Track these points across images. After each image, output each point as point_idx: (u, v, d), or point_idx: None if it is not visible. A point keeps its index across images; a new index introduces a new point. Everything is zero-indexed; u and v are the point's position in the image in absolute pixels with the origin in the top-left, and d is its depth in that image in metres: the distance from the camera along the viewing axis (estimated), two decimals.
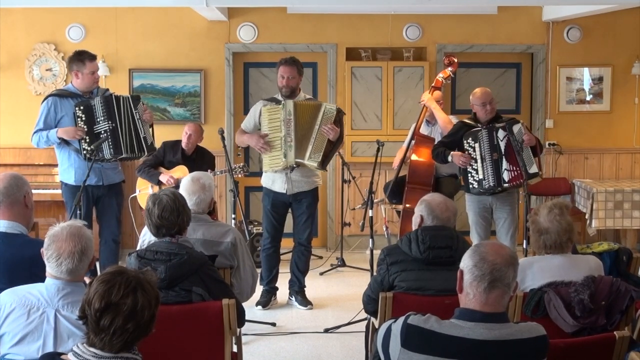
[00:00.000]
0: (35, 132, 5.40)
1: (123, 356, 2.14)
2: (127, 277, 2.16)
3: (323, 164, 5.52)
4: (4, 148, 7.32)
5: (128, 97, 5.41)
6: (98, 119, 5.29)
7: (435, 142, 5.95)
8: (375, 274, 3.93)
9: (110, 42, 7.49)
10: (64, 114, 5.37)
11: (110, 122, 5.28)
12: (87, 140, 5.27)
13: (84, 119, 5.27)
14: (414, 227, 3.69)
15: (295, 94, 5.61)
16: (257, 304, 5.75)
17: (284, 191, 5.64)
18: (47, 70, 7.52)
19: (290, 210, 5.79)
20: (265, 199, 5.79)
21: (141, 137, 5.37)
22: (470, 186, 5.56)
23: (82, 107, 5.28)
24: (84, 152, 5.26)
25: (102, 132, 5.27)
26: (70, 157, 5.45)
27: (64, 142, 5.39)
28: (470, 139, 5.50)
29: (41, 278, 2.72)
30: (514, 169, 5.39)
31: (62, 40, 7.52)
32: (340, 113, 5.54)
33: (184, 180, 4.05)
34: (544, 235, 3.36)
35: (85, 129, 5.27)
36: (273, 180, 5.68)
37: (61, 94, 5.46)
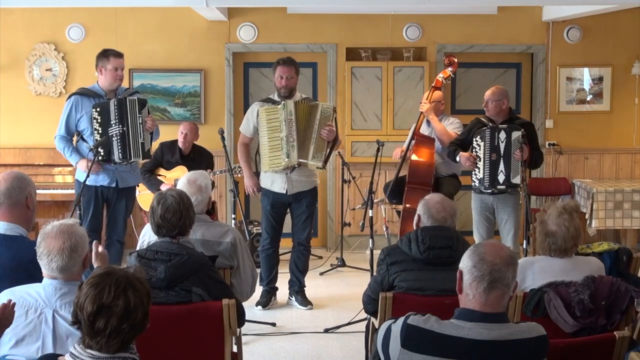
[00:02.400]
0: (59, 138, 5.45)
1: (120, 356, 2.13)
2: (117, 277, 2.14)
3: (325, 163, 5.60)
4: (4, 148, 7.32)
5: (135, 100, 5.42)
6: (112, 122, 5.33)
7: (435, 143, 5.97)
8: (375, 274, 3.93)
9: (110, 42, 7.45)
10: (83, 113, 5.42)
11: (121, 126, 5.32)
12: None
13: (99, 120, 5.33)
14: (415, 226, 3.71)
15: (293, 94, 5.62)
16: (257, 304, 5.75)
17: (284, 191, 5.64)
18: (47, 70, 7.51)
19: (289, 210, 5.80)
20: (264, 200, 5.78)
21: (139, 142, 5.41)
22: (473, 184, 5.59)
23: (98, 109, 5.35)
24: (92, 151, 5.31)
25: (114, 135, 5.31)
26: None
27: (82, 140, 5.46)
28: (478, 137, 5.53)
29: (40, 280, 2.72)
30: (506, 173, 5.42)
31: (62, 40, 7.51)
32: (335, 112, 5.63)
33: (180, 183, 4.01)
34: (550, 238, 3.35)
35: (102, 154, 5.29)
36: (272, 181, 5.68)
37: (84, 93, 5.49)
